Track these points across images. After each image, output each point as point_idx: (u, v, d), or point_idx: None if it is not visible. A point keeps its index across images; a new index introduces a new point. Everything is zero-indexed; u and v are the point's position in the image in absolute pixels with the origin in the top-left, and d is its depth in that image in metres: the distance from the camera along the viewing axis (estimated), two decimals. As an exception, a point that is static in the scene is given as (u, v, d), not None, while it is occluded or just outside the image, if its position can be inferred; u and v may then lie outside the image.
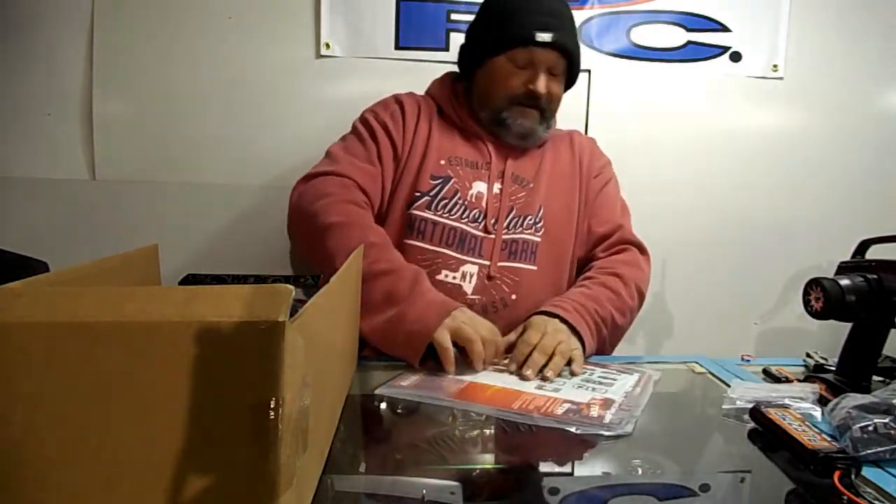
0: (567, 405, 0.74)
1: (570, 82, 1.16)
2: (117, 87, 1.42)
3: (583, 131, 1.50)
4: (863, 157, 1.58)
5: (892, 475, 0.57)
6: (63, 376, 0.38)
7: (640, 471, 0.61)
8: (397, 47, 1.44)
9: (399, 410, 0.76)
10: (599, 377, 0.86)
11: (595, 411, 0.72)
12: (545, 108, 1.10)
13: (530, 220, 1.10)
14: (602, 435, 0.67)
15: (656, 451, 0.68)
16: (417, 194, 1.07)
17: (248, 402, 0.38)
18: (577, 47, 1.12)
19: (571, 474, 0.63)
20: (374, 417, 0.77)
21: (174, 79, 1.43)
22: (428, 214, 1.06)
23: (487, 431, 0.70)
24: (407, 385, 0.81)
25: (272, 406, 0.38)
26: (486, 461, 0.66)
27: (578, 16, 1.47)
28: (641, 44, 1.50)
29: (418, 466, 0.63)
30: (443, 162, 1.10)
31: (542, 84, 1.07)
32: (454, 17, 1.44)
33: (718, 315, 1.58)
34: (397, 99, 1.17)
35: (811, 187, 1.58)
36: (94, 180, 1.44)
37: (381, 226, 1.05)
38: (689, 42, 1.51)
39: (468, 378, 0.84)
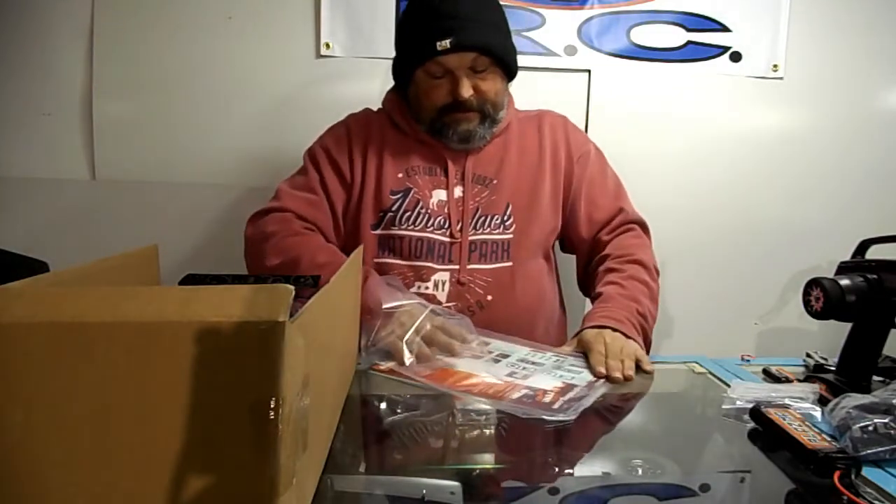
0: (525, 391, 0.76)
1: (508, 69, 1.08)
2: (117, 88, 1.42)
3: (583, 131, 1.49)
4: (863, 157, 1.58)
5: (892, 475, 0.57)
6: (63, 376, 0.38)
7: (640, 471, 0.61)
8: (397, 47, 1.44)
9: (399, 410, 0.76)
10: (571, 364, 0.88)
11: (549, 397, 0.74)
12: (481, 109, 1.06)
13: (497, 219, 1.08)
14: (545, 419, 0.69)
15: (656, 451, 0.68)
16: (381, 213, 1.08)
17: (247, 402, 0.38)
18: (495, 36, 1.04)
19: (571, 474, 0.63)
20: (374, 417, 0.77)
21: (174, 79, 1.43)
22: (394, 231, 1.07)
23: (488, 431, 0.70)
24: (386, 367, 0.86)
25: (272, 406, 0.38)
26: (487, 461, 0.66)
27: (578, 16, 1.47)
28: (641, 44, 1.50)
29: (418, 466, 0.63)
30: (400, 175, 1.09)
31: (465, 90, 1.03)
32: (454, 17, 1.44)
33: (718, 315, 1.58)
34: (345, 122, 1.17)
35: (811, 187, 1.58)
36: (94, 180, 1.43)
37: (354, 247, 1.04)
38: (689, 42, 1.51)
39: (440, 364, 0.86)
